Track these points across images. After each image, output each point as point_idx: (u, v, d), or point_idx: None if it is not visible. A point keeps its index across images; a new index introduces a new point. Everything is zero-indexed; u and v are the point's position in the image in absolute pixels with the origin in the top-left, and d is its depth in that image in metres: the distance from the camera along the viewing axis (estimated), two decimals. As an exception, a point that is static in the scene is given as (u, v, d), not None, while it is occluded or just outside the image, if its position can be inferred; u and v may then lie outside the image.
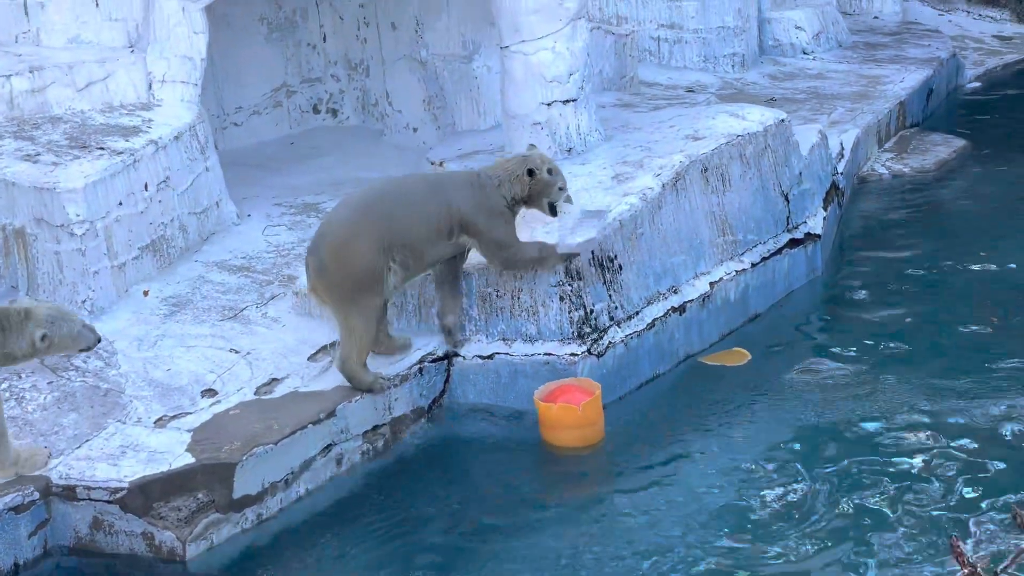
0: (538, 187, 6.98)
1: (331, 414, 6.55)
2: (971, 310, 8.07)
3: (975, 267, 8.70)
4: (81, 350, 6.24)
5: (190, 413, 6.55)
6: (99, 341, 6.24)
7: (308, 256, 6.78)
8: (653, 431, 6.99)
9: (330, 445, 6.54)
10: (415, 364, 6.97)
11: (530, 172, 6.95)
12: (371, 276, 6.62)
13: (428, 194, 6.87)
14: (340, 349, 6.76)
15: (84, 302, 7.21)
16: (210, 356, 6.98)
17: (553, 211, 7.10)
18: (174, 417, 6.52)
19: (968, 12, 14.67)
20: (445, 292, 7.09)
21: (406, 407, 6.91)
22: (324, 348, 7.13)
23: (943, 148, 10.87)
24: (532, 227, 7.20)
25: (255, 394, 6.71)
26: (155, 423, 6.47)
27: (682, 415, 7.14)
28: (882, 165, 10.55)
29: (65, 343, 6.08)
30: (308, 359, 7.04)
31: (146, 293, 7.53)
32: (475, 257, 7.08)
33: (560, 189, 7.06)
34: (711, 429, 7.00)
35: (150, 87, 8.45)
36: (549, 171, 7.03)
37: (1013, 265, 8.69)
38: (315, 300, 6.93)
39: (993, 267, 8.68)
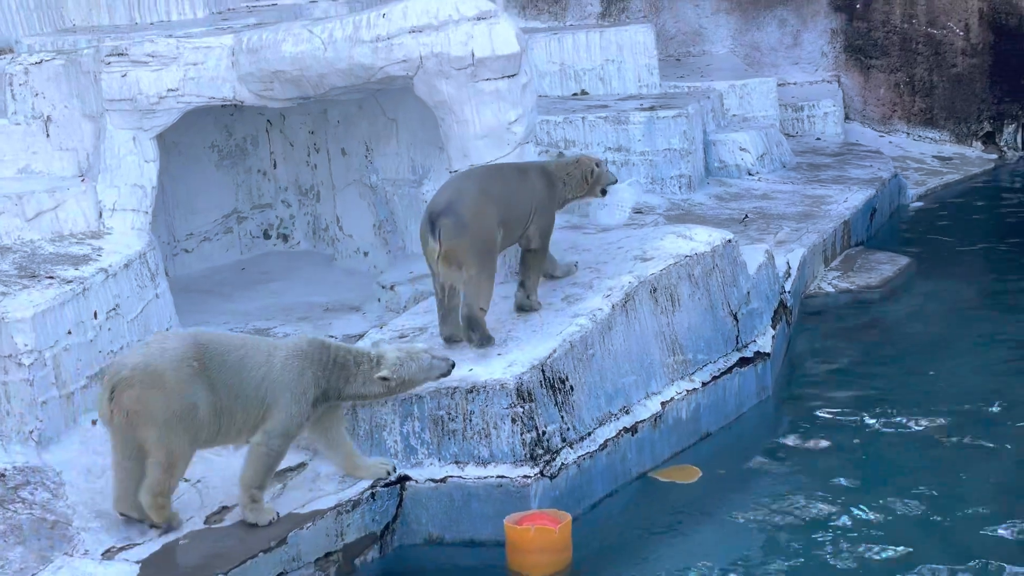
0: (594, 182, 8.13)
1: (282, 541, 6.47)
2: (920, 429, 8.12)
3: (923, 385, 8.76)
4: (439, 377, 6.80)
5: (139, 544, 6.45)
6: (453, 366, 6.81)
7: (441, 219, 7.26)
8: (615, 555, 6.94)
9: (282, 574, 6.45)
10: (367, 489, 6.92)
11: (591, 173, 8.09)
12: (495, 243, 7.44)
13: (522, 180, 7.76)
14: (466, 299, 7.34)
15: (32, 432, 7.12)
16: (159, 485, 6.90)
17: (604, 192, 8.28)
18: (122, 548, 6.42)
19: (908, 133, 15.01)
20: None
21: (358, 533, 6.84)
22: (275, 475, 7.07)
23: (888, 266, 11.03)
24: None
25: (205, 523, 6.63)
26: (103, 555, 6.37)
27: (640, 536, 7.10)
28: (829, 283, 10.68)
29: (417, 379, 6.74)
30: (259, 486, 6.98)
31: (94, 423, 7.45)
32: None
33: (606, 172, 8.20)
34: (669, 549, 6.97)
35: (100, 215, 8.47)
36: (597, 165, 8.16)
37: (960, 383, 8.77)
38: (442, 265, 7.30)
39: (941, 385, 8.75)
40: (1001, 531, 6.91)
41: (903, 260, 11.14)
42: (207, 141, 10.17)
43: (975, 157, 14.65)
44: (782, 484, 7.56)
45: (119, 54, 8.51)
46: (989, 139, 14.85)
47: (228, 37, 8.67)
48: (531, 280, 7.81)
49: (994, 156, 14.71)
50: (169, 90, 8.48)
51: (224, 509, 6.71)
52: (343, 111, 9.83)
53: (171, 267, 9.53)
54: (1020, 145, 14.77)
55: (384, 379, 6.64)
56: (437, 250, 7.30)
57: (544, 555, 6.74)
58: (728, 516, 7.27)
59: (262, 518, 6.55)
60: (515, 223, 7.66)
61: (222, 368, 6.44)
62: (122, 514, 6.60)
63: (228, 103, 8.68)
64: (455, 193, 7.47)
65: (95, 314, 7.66)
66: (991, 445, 7.86)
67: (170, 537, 6.49)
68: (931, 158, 14.56)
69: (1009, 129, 14.78)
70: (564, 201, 8.12)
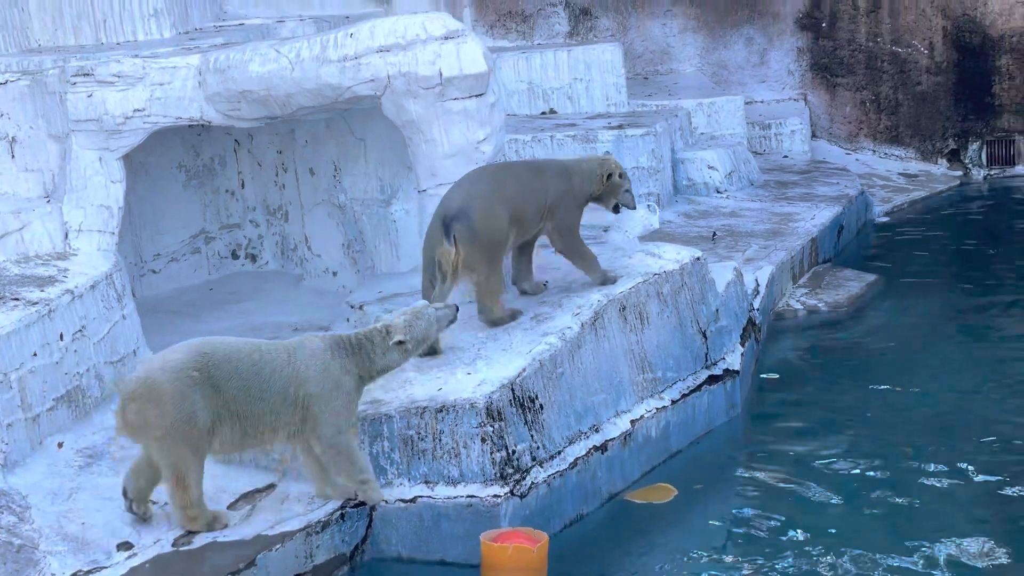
0: (610, 188, 8.12)
1: (251, 563, 6.43)
2: (888, 442, 8.16)
3: (890, 401, 8.80)
4: (449, 324, 7.04)
5: (105, 567, 6.41)
6: (457, 310, 7.06)
7: (455, 225, 7.45)
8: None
9: (250, 596, 6.43)
10: (337, 510, 6.89)
11: (608, 176, 8.04)
12: (506, 241, 7.70)
13: (535, 178, 7.90)
14: (479, 303, 7.73)
15: (-3, 455, 7.08)
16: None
17: (617, 209, 8.27)
18: (89, 572, 6.37)
19: (874, 151, 15.10)
20: (522, 264, 8.12)
21: (327, 554, 6.81)
22: (244, 496, 7.04)
23: (855, 283, 11.08)
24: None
25: (172, 546, 6.58)
26: (69, 578, 6.32)
27: (616, 557, 7.09)
28: (797, 301, 10.72)
29: (430, 333, 6.95)
30: (227, 507, 6.94)
31: (60, 445, 7.41)
32: (396, 397, 7.10)
33: (626, 191, 8.19)
34: (645, 570, 6.95)
35: (66, 236, 8.43)
36: (620, 175, 8.15)
37: (926, 397, 8.81)
38: (457, 269, 7.53)
39: (908, 401, 8.80)
40: (967, 541, 6.95)
41: (870, 277, 11.21)
42: (174, 161, 10.13)
43: (940, 174, 14.75)
44: (754, 501, 7.57)
45: (85, 74, 8.49)
46: (954, 156, 14.95)
47: (195, 57, 8.66)
48: (585, 264, 8.07)
49: (959, 173, 14.82)
50: (135, 110, 8.46)
51: (192, 531, 6.67)
52: (311, 131, 9.82)
53: (138, 288, 9.48)
54: (984, 162, 14.87)
55: (401, 343, 6.78)
56: (452, 253, 7.50)
57: (520, 575, 6.71)
58: (702, 534, 7.28)
59: (375, 495, 6.87)
60: (529, 220, 7.83)
61: (233, 375, 6.51)
62: (125, 489, 6.74)
63: (195, 123, 8.67)
64: (467, 198, 7.61)
65: (61, 336, 7.62)
66: (956, 459, 7.89)
67: (136, 560, 6.44)
68: (897, 175, 14.66)
69: (973, 146, 14.88)
70: (585, 196, 8.11)
